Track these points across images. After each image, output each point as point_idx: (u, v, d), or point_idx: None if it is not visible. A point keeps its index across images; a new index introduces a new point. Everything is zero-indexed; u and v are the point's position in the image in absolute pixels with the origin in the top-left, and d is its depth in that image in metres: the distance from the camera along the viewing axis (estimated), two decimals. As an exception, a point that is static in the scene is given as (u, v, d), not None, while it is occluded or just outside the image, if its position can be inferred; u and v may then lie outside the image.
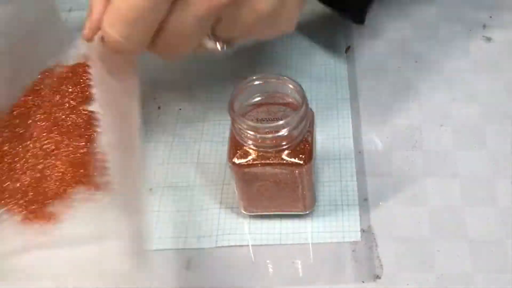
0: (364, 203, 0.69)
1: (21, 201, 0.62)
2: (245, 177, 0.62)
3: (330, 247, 0.66)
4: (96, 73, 0.58)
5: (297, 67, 0.83)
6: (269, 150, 0.60)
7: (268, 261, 0.65)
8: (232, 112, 0.59)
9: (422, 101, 0.78)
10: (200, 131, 0.77)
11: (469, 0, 0.89)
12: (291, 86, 0.61)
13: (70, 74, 0.72)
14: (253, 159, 0.60)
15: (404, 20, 0.88)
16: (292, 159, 0.60)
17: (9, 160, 0.66)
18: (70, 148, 0.65)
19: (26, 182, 0.63)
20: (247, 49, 0.86)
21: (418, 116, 0.77)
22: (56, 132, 0.67)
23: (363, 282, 0.63)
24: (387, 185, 0.70)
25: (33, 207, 0.62)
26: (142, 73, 0.84)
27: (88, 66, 0.59)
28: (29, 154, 0.65)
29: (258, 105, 0.62)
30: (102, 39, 0.55)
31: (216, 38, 0.61)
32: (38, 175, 0.63)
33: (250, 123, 0.58)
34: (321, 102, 0.79)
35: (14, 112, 0.70)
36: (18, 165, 0.65)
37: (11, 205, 0.62)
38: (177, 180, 0.72)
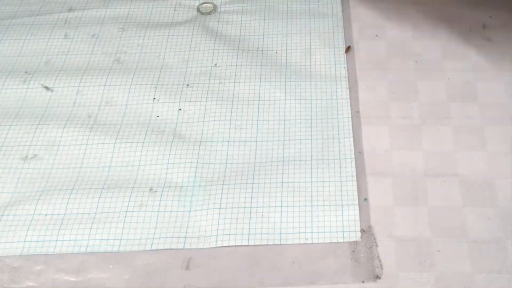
0: (364, 203, 0.69)
1: None
2: None
3: (330, 247, 0.66)
4: None
5: (297, 67, 0.84)
6: None
7: (268, 261, 0.65)
8: None
9: (422, 101, 0.78)
10: (200, 131, 0.77)
11: (469, 0, 0.89)
12: None
13: None
14: None
15: (404, 20, 0.88)
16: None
17: None
18: None
19: None
20: (248, 49, 0.86)
21: (418, 116, 0.77)
22: None
23: (363, 282, 0.63)
24: (387, 185, 0.70)
25: None
26: (141, 73, 0.84)
27: None
28: None
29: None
30: None
31: None
32: None
33: None
34: (321, 102, 0.79)
35: None
36: None
37: None
38: (177, 180, 0.72)
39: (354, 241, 0.66)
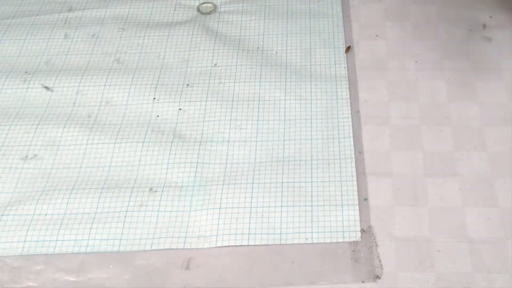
0: (364, 203, 0.69)
1: None
2: None
3: (330, 247, 0.66)
4: None
5: (297, 67, 0.83)
6: None
7: (268, 261, 0.65)
8: None
9: (422, 101, 0.78)
10: (200, 131, 0.77)
11: (469, 0, 0.89)
12: None
13: None
14: None
15: (404, 20, 0.88)
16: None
17: None
18: None
19: None
20: (248, 49, 0.86)
21: (418, 116, 0.77)
22: None
23: (363, 282, 0.63)
24: (387, 185, 0.70)
25: None
26: (141, 73, 0.84)
27: None
28: None
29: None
30: None
31: None
32: None
33: None
34: (321, 102, 0.79)
35: None
36: None
37: None
38: (177, 180, 0.72)
39: (354, 241, 0.66)
